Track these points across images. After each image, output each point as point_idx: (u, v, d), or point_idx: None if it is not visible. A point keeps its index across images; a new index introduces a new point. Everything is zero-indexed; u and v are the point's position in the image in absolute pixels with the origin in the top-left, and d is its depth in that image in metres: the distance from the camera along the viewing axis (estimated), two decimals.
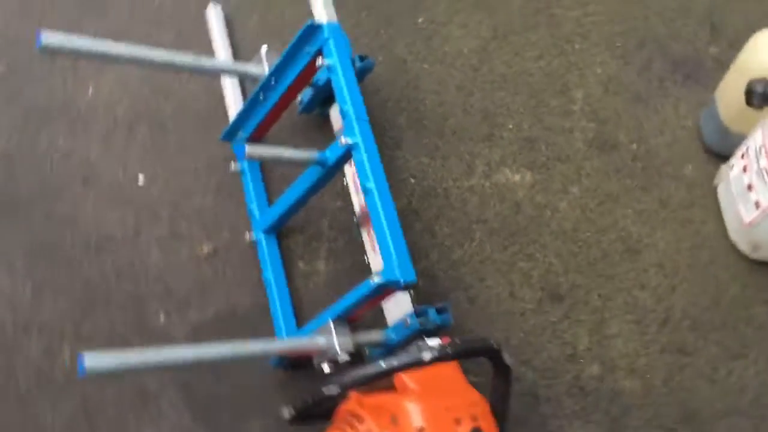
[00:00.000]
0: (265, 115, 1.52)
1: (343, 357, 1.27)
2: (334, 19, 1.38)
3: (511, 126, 1.69)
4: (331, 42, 1.35)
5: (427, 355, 1.10)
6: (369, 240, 1.50)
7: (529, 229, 1.59)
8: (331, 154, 1.33)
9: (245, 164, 1.59)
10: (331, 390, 1.16)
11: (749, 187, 1.44)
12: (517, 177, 1.64)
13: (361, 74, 1.56)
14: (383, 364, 1.11)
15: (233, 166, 1.58)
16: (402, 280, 1.19)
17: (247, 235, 1.55)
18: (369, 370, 1.12)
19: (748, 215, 1.46)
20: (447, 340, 1.30)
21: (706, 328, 1.50)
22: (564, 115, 1.70)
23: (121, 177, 1.64)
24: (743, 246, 1.52)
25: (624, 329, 1.51)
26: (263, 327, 1.49)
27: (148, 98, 1.72)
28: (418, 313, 1.33)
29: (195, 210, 1.60)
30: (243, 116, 1.56)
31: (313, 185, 1.39)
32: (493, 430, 1.18)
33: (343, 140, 1.28)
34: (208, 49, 1.75)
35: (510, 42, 1.77)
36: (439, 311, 1.36)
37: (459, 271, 1.56)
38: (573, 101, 1.72)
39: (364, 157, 1.27)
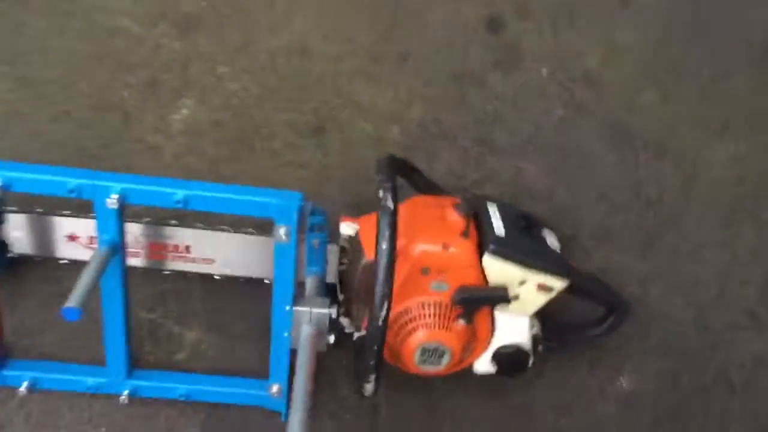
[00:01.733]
0: None
1: (333, 312, 1.18)
2: None
3: (133, 104, 1.55)
4: None
5: (389, 204, 1.08)
6: (185, 259, 1.33)
7: (243, 126, 1.55)
8: (107, 232, 1.12)
9: (27, 377, 1.25)
10: (377, 328, 1.08)
11: None
12: (182, 114, 1.55)
13: None
14: (384, 245, 1.06)
15: (21, 391, 1.24)
16: (297, 202, 1.11)
17: (122, 399, 1.26)
18: (381, 273, 1.05)
19: None
20: (348, 218, 1.29)
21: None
22: (139, 59, 1.61)
23: None
24: None
25: (365, 90, 1.61)
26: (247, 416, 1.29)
27: None
28: (310, 230, 1.27)
29: None
30: None
31: (122, 276, 1.17)
32: (457, 200, 1.23)
33: (110, 201, 1.08)
34: None
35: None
36: (312, 213, 1.30)
37: None
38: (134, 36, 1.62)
39: (140, 186, 1.10)
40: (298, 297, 1.18)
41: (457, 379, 1.32)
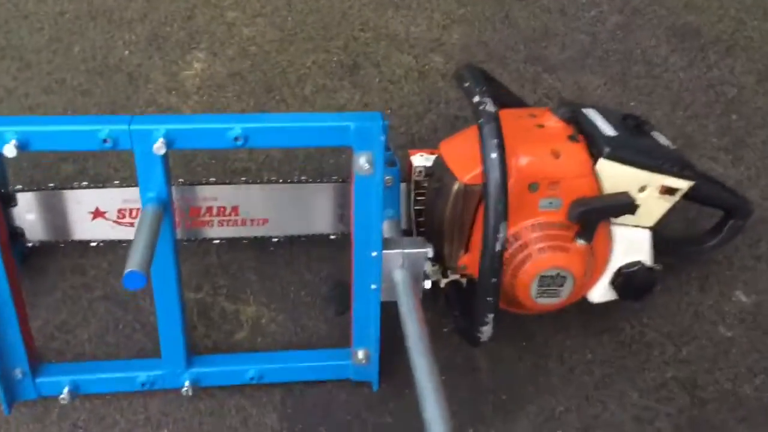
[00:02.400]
0: (15, 312, 0.99)
1: (430, 251, 1.00)
2: None
3: (137, 63, 1.34)
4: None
5: (490, 108, 0.90)
6: (233, 222, 1.14)
7: (266, 75, 1.36)
8: (153, 187, 0.92)
9: (66, 382, 1.05)
10: (493, 255, 0.90)
11: None
12: (194, 69, 1.35)
13: None
14: (494, 155, 0.88)
15: (62, 399, 1.04)
16: (380, 122, 0.92)
17: (184, 391, 1.07)
18: (494, 189, 0.88)
19: None
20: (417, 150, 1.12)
21: None
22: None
23: None
24: None
25: (397, 19, 1.43)
26: (330, 392, 1.11)
27: None
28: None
29: None
30: None
31: (173, 243, 0.98)
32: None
33: (157, 146, 0.88)
34: None
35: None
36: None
37: None
38: None
39: (188, 126, 0.90)
40: (386, 242, 1.00)
41: (554, 318, 1.16)
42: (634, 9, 1.46)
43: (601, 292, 1.06)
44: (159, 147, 0.88)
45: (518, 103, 1.10)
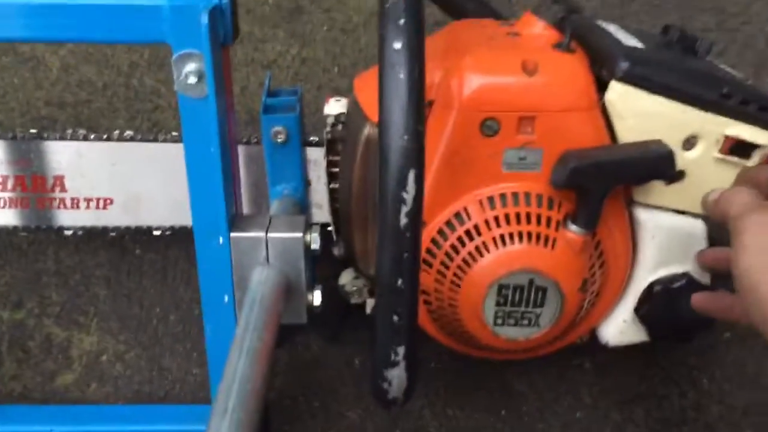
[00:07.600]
0: None
1: (313, 238, 0.59)
2: None
3: None
4: None
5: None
6: (59, 203, 0.76)
7: None
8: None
9: None
10: (398, 232, 0.49)
11: None
12: None
13: None
14: (398, 43, 0.48)
15: None
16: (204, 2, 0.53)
17: None
18: (396, 101, 0.48)
19: None
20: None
21: None
22: None
23: None
24: None
25: None
26: None
27: None
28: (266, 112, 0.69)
29: None
30: None
31: None
32: None
33: None
34: None
35: None
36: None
37: None
38: None
39: None
40: (240, 219, 0.60)
41: (553, 375, 0.72)
42: None
43: (618, 326, 0.62)
44: None
45: (490, 13, 0.69)
